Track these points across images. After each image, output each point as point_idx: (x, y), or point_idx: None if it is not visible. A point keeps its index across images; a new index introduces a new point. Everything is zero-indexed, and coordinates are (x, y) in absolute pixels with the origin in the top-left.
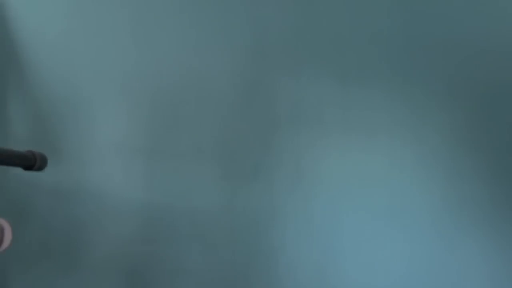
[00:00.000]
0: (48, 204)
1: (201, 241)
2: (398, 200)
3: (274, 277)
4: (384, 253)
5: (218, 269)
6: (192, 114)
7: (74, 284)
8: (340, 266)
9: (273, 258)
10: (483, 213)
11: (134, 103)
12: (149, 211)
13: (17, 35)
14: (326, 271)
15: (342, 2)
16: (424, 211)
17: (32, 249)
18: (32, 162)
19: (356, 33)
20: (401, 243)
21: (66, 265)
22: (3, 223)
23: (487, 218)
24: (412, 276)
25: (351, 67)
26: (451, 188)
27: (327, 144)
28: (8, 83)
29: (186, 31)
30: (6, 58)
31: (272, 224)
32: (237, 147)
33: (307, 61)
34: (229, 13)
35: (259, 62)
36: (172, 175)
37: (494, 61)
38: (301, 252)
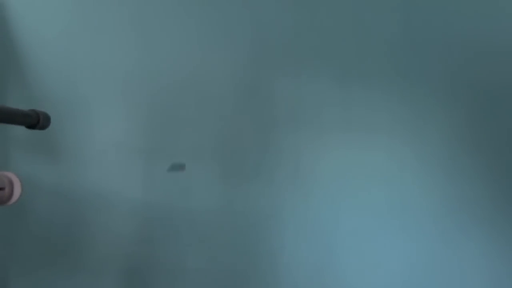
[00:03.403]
0: (48, 204)
1: (201, 241)
2: (398, 199)
3: (273, 277)
4: (384, 252)
5: (218, 269)
6: (192, 113)
7: (74, 284)
8: (340, 266)
9: (273, 258)
10: (483, 212)
11: (134, 103)
12: (148, 211)
13: (17, 35)
14: (325, 271)
15: (342, 2)
16: (424, 210)
17: (32, 250)
18: (34, 120)
19: (356, 32)
20: (401, 243)
21: (66, 265)
22: (12, 177)
23: (487, 217)
24: (412, 276)
25: (351, 67)
26: (451, 187)
27: (327, 144)
28: (8, 83)
29: (186, 31)
30: (6, 58)
31: (272, 223)
32: (236, 147)
33: (307, 60)
34: (229, 13)
35: (259, 62)
36: (172, 175)
37: (494, 61)
38: (301, 251)
